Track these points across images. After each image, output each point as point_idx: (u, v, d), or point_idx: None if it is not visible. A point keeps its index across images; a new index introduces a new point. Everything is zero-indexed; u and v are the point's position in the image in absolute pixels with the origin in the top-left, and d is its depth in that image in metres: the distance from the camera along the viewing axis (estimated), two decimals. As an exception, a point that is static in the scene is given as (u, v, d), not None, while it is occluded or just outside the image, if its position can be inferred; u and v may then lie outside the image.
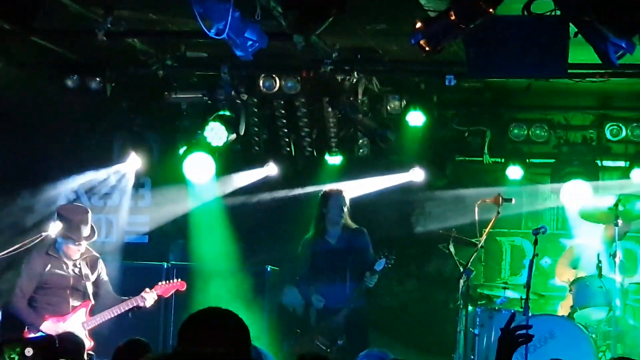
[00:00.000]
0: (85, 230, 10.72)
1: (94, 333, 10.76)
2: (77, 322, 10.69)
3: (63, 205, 12.13)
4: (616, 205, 11.44)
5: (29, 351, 5.28)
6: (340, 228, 12.11)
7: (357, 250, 12.00)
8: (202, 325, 4.71)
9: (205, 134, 12.64)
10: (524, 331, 5.47)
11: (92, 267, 10.96)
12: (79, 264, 10.84)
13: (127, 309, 10.76)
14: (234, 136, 12.79)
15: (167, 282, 11.11)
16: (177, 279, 11.23)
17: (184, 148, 13.04)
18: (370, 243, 12.10)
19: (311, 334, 11.75)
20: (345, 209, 12.08)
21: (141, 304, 10.77)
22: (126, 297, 10.87)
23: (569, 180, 13.00)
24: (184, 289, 11.13)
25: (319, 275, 12.04)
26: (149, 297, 10.80)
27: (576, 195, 12.90)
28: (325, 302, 11.90)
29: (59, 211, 10.90)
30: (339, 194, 12.19)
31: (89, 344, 10.54)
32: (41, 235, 10.59)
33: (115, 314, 10.77)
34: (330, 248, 12.08)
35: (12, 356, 5.16)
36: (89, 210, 10.96)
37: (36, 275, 10.72)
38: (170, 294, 11.15)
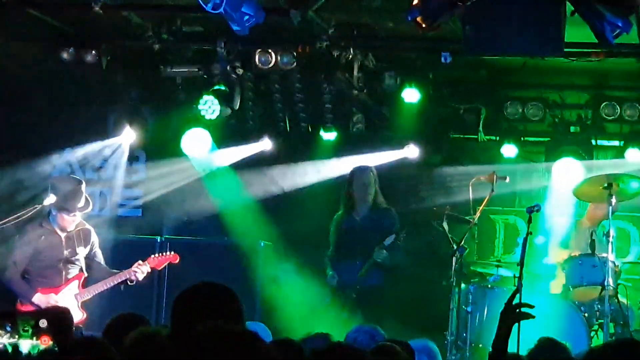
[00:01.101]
0: (80, 201, 10.70)
1: (86, 307, 10.77)
2: (70, 294, 10.69)
3: (57, 177, 12.14)
4: (610, 184, 11.43)
5: (43, 322, 5.26)
6: (369, 206, 12.07)
7: (382, 230, 11.91)
8: (196, 300, 4.71)
9: (200, 106, 12.64)
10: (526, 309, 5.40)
11: (85, 239, 10.94)
12: (72, 236, 10.83)
13: (119, 281, 10.76)
14: (228, 111, 12.78)
15: (160, 254, 11.10)
16: (170, 252, 11.22)
17: (180, 122, 13.04)
18: (397, 223, 12.04)
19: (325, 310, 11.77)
20: (372, 186, 12.05)
21: (133, 277, 10.75)
22: (119, 270, 10.88)
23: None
24: (177, 261, 11.12)
25: (340, 251, 12.04)
26: (141, 270, 10.80)
27: (567, 173, 12.91)
28: (341, 278, 11.88)
29: (53, 182, 10.89)
30: (364, 170, 12.15)
31: (81, 315, 10.56)
32: (35, 207, 10.58)
33: (108, 286, 10.77)
34: (355, 225, 12.04)
35: (25, 328, 5.14)
36: (83, 181, 10.95)
37: (30, 248, 10.70)
38: (162, 267, 11.15)
